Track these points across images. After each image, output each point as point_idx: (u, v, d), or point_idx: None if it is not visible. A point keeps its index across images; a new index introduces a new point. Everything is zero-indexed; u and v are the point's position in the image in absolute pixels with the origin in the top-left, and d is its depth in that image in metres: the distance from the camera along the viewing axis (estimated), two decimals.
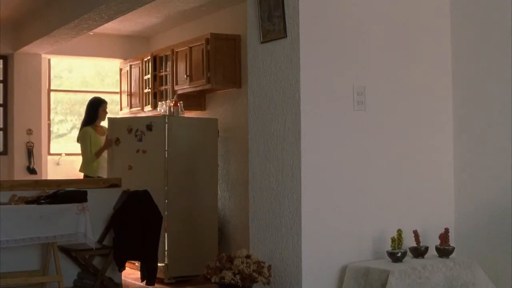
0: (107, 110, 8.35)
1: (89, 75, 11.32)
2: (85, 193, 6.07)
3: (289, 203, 4.61)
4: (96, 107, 8.23)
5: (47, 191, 6.31)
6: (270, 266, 4.60)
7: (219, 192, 8.12)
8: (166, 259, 7.44)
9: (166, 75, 8.81)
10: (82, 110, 11.26)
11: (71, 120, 11.12)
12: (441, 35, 5.14)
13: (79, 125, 11.16)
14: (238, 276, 4.46)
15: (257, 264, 4.54)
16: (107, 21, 8.05)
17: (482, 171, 4.95)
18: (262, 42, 4.84)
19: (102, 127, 8.25)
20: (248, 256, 4.59)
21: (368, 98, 4.78)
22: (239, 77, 7.92)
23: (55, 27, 8.61)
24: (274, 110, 4.76)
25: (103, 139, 8.13)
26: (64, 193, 6.07)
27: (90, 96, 11.22)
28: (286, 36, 4.63)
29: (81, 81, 11.27)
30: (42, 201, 6.01)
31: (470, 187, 5.02)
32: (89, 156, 8.09)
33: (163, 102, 8.29)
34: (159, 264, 6.82)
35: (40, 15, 9.09)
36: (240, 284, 4.45)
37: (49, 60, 10.62)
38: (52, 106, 10.82)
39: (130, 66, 9.70)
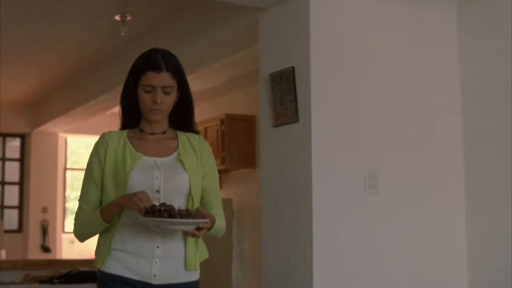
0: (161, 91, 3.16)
1: None
2: None
3: (301, 287, 4.59)
4: (129, 83, 3.09)
5: (60, 271, 6.32)
6: None
7: (233, 271, 8.09)
8: None
9: None
10: None
11: None
12: (452, 115, 5.17)
13: None
14: None
15: None
16: None
17: (495, 246, 4.90)
18: (274, 126, 4.90)
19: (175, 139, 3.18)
20: None
21: (379, 181, 4.79)
22: (254, 158, 7.97)
23: (72, 107, 8.76)
24: (286, 193, 4.78)
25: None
26: (77, 273, 6.10)
27: None
28: (298, 120, 4.68)
29: None
30: (55, 281, 6.03)
31: (483, 265, 4.97)
32: (78, 207, 3.12)
33: None
34: None
35: (57, 95, 9.27)
36: None
37: (65, 138, 10.75)
38: (68, 182, 10.91)
39: None
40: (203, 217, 2.91)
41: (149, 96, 3.02)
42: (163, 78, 3.03)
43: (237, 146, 7.95)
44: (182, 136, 3.18)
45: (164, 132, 3.16)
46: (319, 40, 4.70)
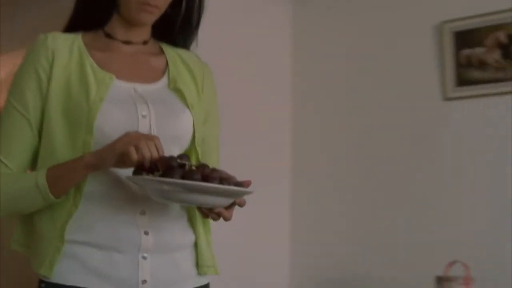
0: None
1: None
2: None
3: None
4: None
5: None
6: None
7: None
8: None
9: None
10: None
11: None
12: (282, 114, 5.17)
13: None
14: None
15: None
16: None
17: (316, 246, 4.97)
18: None
19: (160, 47, 2.00)
20: None
21: None
22: None
23: None
24: None
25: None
26: None
27: None
28: None
29: None
30: None
31: (303, 261, 5.04)
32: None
33: None
34: None
35: None
36: None
37: None
38: None
39: None
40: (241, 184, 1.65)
41: None
42: None
43: None
44: (170, 51, 1.96)
45: (145, 43, 1.92)
46: None
